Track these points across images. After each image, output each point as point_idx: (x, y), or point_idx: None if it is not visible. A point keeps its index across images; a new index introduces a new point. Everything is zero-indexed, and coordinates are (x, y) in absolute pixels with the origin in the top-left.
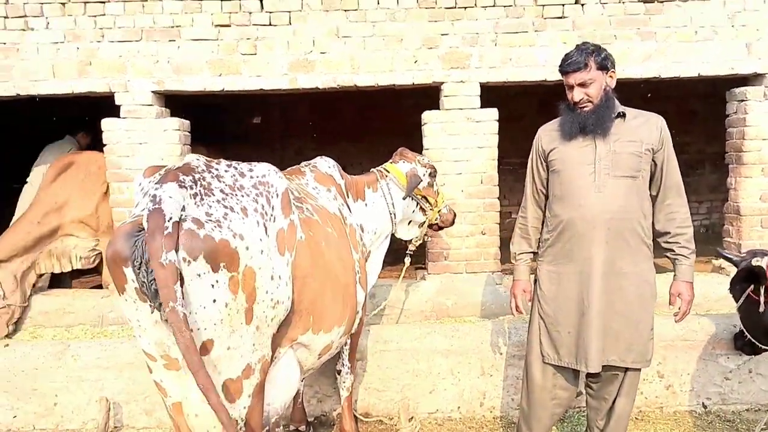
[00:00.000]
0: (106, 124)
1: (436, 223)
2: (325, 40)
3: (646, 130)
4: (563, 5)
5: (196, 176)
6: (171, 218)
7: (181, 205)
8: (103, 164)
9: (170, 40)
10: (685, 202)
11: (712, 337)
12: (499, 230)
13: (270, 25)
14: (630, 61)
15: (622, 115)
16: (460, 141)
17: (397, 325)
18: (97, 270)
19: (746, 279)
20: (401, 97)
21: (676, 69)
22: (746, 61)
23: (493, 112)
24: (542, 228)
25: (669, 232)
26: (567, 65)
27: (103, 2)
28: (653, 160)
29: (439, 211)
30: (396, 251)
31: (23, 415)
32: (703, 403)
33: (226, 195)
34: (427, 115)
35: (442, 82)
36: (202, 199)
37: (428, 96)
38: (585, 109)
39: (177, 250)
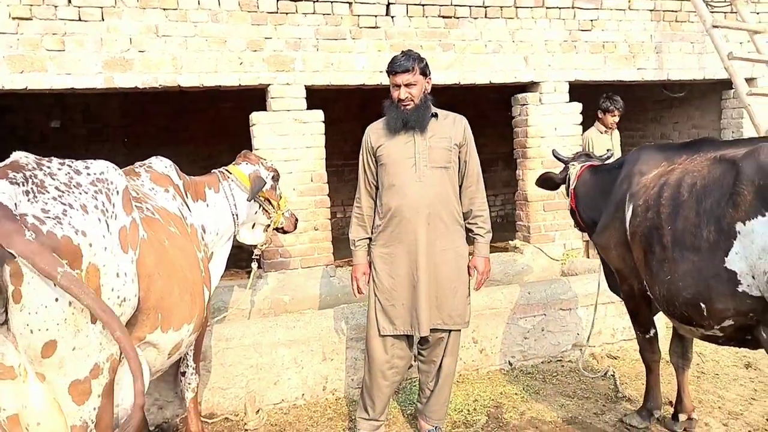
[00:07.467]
0: None
1: (281, 227)
2: (143, 38)
3: (454, 128)
4: (376, 16)
5: (27, 173)
6: (16, 207)
7: (13, 203)
8: None
9: None
10: (483, 189)
11: (514, 304)
12: (330, 226)
13: (79, 20)
14: (434, 69)
15: (435, 116)
16: (289, 141)
17: (239, 322)
18: None
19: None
20: (220, 100)
21: (472, 77)
22: (525, 71)
23: (318, 114)
24: (374, 216)
25: (470, 213)
26: (396, 66)
27: None
28: (459, 154)
29: (282, 214)
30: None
31: None
32: (509, 361)
33: (62, 192)
34: (256, 116)
35: (269, 84)
36: (35, 196)
37: (253, 98)
38: (408, 107)
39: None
